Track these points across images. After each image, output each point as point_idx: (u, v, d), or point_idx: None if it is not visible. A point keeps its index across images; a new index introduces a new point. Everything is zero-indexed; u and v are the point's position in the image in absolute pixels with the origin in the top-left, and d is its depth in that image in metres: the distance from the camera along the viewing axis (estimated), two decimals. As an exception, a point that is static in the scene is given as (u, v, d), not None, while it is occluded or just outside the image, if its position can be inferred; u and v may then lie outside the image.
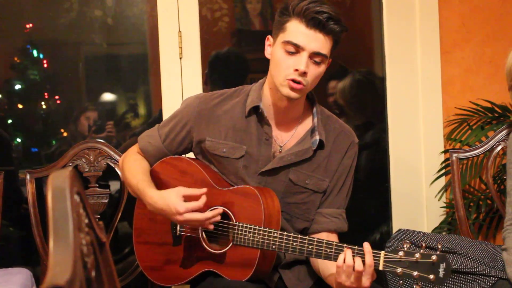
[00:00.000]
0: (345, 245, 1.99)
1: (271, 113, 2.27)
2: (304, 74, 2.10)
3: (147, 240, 2.35)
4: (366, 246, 1.96)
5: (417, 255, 1.91)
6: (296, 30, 2.10)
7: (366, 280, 1.95)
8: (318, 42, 2.10)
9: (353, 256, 1.95)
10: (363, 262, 1.94)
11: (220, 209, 2.15)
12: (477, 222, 3.16)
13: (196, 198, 2.11)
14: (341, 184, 2.33)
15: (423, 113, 3.33)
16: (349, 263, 1.94)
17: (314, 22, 2.08)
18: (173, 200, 2.10)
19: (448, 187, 3.27)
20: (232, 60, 3.45)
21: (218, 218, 2.14)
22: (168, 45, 3.18)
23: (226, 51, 3.41)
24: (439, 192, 3.28)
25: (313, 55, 2.11)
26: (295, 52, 2.11)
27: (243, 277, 2.15)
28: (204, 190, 2.12)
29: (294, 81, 2.11)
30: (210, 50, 3.31)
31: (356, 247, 1.97)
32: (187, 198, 2.11)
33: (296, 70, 2.10)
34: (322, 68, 2.16)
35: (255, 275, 2.15)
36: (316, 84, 2.20)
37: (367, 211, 3.56)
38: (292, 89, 2.13)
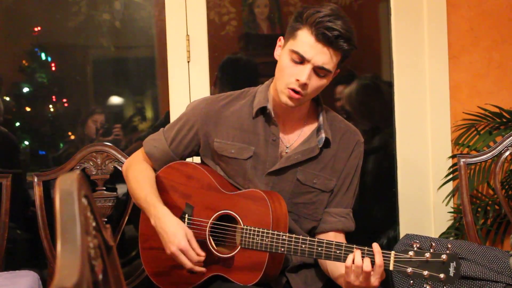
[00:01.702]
0: (354, 246, 1.99)
1: (277, 114, 2.28)
2: (304, 85, 2.11)
3: (153, 246, 2.35)
4: (376, 246, 1.97)
5: (427, 254, 1.91)
6: (305, 41, 2.10)
7: (375, 280, 1.96)
8: (324, 56, 2.09)
9: (362, 256, 1.96)
10: (372, 262, 1.95)
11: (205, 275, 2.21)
12: (485, 227, 3.15)
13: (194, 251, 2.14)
14: (348, 184, 2.34)
15: (430, 118, 3.33)
16: (358, 263, 1.95)
17: (323, 37, 2.07)
18: (180, 234, 2.13)
19: (455, 192, 3.26)
20: (242, 66, 3.45)
21: (203, 274, 2.20)
22: (176, 48, 3.19)
23: (237, 56, 3.42)
24: (446, 197, 3.28)
25: (317, 68, 2.11)
26: (300, 62, 2.11)
27: (251, 281, 2.14)
28: (203, 255, 2.14)
29: (294, 90, 2.12)
30: (218, 53, 3.31)
31: (366, 248, 1.98)
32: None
33: (297, 80, 2.11)
34: (325, 81, 2.16)
35: (263, 278, 2.14)
36: (316, 94, 2.21)
37: (374, 215, 3.55)
38: (290, 98, 2.14)
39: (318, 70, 2.11)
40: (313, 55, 2.09)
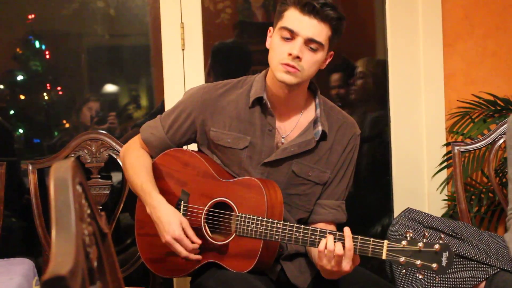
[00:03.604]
0: (351, 235, 2.01)
1: (274, 104, 2.28)
2: (297, 58, 2.11)
3: (148, 232, 2.35)
4: (346, 230, 2.00)
5: (420, 244, 1.92)
6: (292, 16, 2.12)
7: (346, 264, 1.98)
8: (312, 28, 2.11)
9: (334, 241, 1.98)
10: (344, 246, 1.97)
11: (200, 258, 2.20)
12: (479, 215, 3.16)
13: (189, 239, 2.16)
14: (341, 176, 2.34)
15: (425, 106, 3.33)
16: (330, 247, 1.97)
17: (308, 8, 2.10)
18: (175, 223, 2.15)
19: (450, 180, 3.27)
20: (235, 52, 3.44)
21: (198, 261, 2.20)
22: (171, 36, 3.18)
23: (230, 42, 3.42)
24: (440, 185, 3.28)
25: (308, 42, 2.12)
26: (291, 38, 2.12)
27: (245, 268, 2.15)
28: (199, 242, 2.16)
29: (288, 65, 2.12)
30: (213, 41, 3.31)
31: (359, 237, 2.00)
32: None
33: (290, 54, 2.11)
34: (319, 56, 2.16)
35: (258, 266, 2.15)
36: (314, 72, 2.20)
37: (369, 204, 3.56)
38: (287, 72, 2.13)
39: (310, 43, 2.12)
40: (301, 27, 2.10)
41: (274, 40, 2.18)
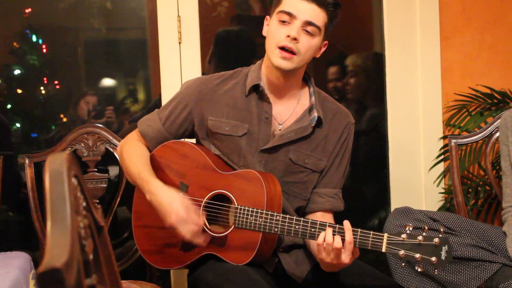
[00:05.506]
0: (350, 227, 2.01)
1: (270, 92, 2.31)
2: (294, 40, 2.15)
3: (146, 224, 2.36)
4: (346, 223, 2.01)
5: (420, 237, 1.93)
6: (290, 1, 2.17)
7: (346, 257, 1.99)
8: (310, 11, 2.16)
9: (334, 234, 1.99)
10: (343, 239, 1.98)
11: (207, 241, 2.17)
12: (476, 207, 3.16)
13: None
14: (337, 164, 2.36)
15: (422, 99, 3.33)
16: (328, 240, 1.98)
17: None
18: (177, 203, 2.12)
19: (446, 173, 3.27)
20: (239, 40, 3.44)
21: (204, 244, 2.16)
22: (167, 30, 3.18)
23: (232, 29, 3.41)
24: (437, 178, 3.29)
25: (305, 25, 2.16)
26: (289, 22, 2.17)
27: (244, 260, 2.16)
28: (202, 224, 2.14)
29: (284, 48, 2.16)
30: (210, 35, 3.30)
31: (359, 230, 2.00)
32: None
33: (288, 36, 2.15)
34: (316, 41, 2.20)
35: (256, 258, 2.16)
36: (309, 58, 2.24)
37: (366, 196, 3.57)
38: (283, 58, 2.17)
39: (307, 26, 2.17)
40: (299, 11, 2.15)
41: (271, 25, 2.22)
